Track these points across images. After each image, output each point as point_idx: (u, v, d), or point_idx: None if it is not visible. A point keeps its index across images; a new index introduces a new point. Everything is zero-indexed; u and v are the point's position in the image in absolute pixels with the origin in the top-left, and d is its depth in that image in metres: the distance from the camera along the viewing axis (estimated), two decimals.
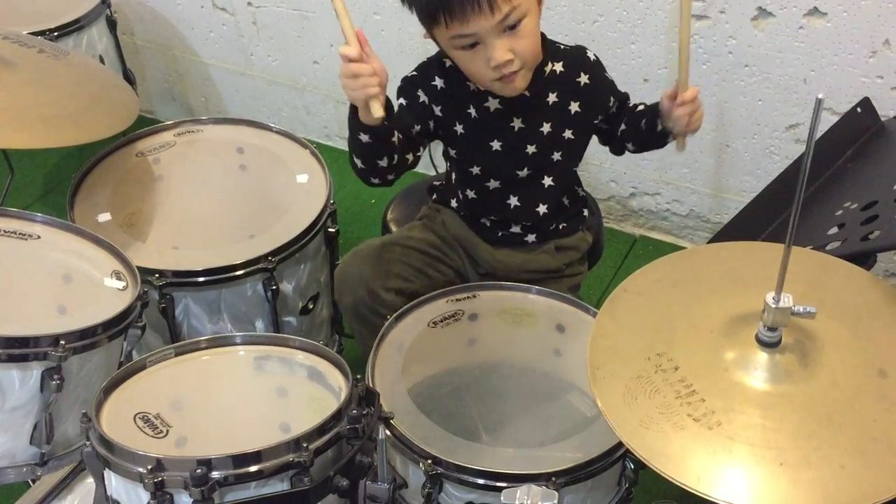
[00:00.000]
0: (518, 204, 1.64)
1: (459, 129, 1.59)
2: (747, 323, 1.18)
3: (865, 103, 1.82)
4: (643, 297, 1.27)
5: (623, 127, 1.64)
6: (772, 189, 1.85)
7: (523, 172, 1.61)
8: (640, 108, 1.64)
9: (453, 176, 1.69)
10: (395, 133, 1.49)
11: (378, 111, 1.36)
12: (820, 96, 0.95)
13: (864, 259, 1.42)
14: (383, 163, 1.49)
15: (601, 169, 2.46)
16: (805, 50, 2.03)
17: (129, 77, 2.46)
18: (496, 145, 1.59)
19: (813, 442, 1.05)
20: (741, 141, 2.23)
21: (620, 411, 1.09)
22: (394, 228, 1.88)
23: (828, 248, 1.47)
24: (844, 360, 1.15)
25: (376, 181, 1.53)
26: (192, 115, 2.95)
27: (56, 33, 2.19)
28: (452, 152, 1.63)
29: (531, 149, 1.59)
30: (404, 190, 1.98)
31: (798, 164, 1.80)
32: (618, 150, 1.71)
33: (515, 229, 1.68)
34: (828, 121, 1.99)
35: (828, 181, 1.71)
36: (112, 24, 2.37)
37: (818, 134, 2.19)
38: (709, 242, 2.05)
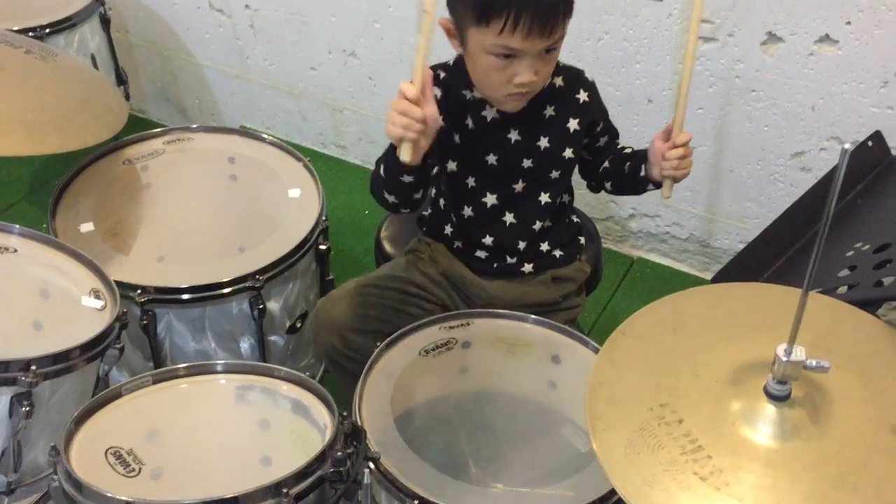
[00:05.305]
0: (514, 221, 1.60)
1: (457, 138, 1.55)
2: (754, 373, 1.12)
3: (877, 136, 1.77)
4: (643, 342, 1.21)
5: (607, 165, 1.63)
6: (778, 226, 1.79)
7: (519, 186, 1.58)
8: (628, 150, 1.63)
9: (441, 201, 1.64)
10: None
11: (405, 155, 1.34)
12: (847, 146, 0.89)
13: (872, 302, 1.37)
14: (419, 195, 1.48)
15: None
16: (814, 77, 1.98)
17: (121, 76, 2.41)
18: (492, 159, 1.56)
19: None
20: (745, 167, 2.18)
21: (623, 467, 1.03)
22: (387, 247, 1.82)
23: (838, 291, 1.42)
24: (856, 416, 1.09)
25: (407, 211, 1.53)
26: (186, 117, 2.90)
27: (48, 30, 2.14)
28: (453, 165, 1.58)
29: (527, 163, 1.56)
30: None
31: (804, 203, 1.74)
32: (596, 187, 1.69)
33: (511, 260, 1.63)
34: (835, 151, 1.94)
35: (837, 218, 1.65)
36: (105, 22, 2.31)
37: (826, 164, 2.12)
38: (712, 280, 1.99)
